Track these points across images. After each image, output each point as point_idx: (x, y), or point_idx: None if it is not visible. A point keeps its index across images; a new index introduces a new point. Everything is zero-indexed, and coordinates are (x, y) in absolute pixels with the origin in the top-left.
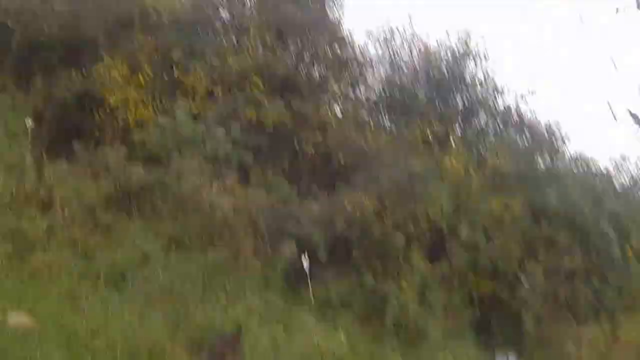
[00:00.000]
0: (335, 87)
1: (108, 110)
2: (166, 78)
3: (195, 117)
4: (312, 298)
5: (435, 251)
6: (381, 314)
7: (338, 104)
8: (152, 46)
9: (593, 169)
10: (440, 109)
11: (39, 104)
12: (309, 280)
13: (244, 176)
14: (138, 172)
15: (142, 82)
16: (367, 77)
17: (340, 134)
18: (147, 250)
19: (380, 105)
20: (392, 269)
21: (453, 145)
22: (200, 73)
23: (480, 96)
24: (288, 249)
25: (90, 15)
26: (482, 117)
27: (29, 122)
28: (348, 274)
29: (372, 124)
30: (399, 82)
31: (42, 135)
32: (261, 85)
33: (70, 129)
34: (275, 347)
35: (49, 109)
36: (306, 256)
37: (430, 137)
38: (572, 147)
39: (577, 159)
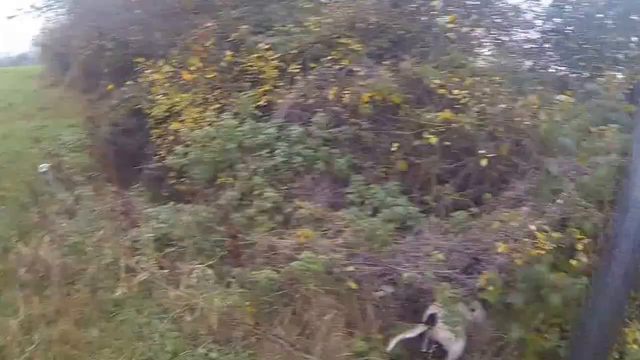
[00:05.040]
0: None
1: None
2: (224, 67)
3: (262, 114)
4: None
5: None
6: None
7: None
8: (208, 31)
9: None
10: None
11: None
12: None
13: (337, 192)
14: None
15: (190, 79)
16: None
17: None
18: None
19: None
20: None
21: None
22: (269, 49)
23: None
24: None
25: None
26: None
27: None
28: None
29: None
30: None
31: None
32: (357, 47)
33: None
34: None
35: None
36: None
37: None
38: None
39: None
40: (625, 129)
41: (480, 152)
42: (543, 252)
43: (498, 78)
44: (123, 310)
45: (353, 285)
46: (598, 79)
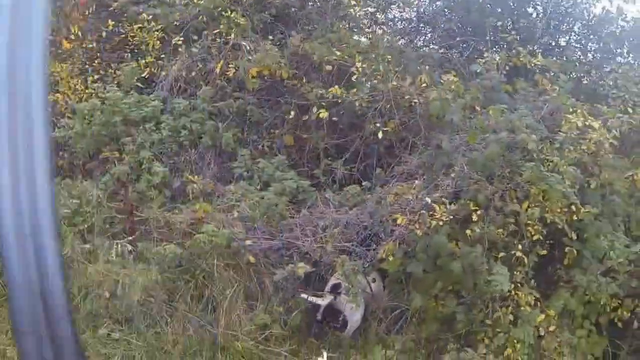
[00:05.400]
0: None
1: None
2: (105, 37)
3: (147, 86)
4: None
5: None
6: None
7: (363, 34)
8: None
9: None
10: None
11: None
12: None
13: (224, 166)
14: None
15: (69, 48)
16: None
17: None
18: None
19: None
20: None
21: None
22: (151, 21)
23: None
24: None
25: None
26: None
27: None
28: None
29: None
30: None
31: None
32: (243, 22)
33: None
34: None
35: None
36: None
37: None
38: None
39: None
40: (508, 108)
41: (376, 125)
42: (442, 223)
43: (389, 57)
44: None
45: (252, 260)
46: (478, 60)
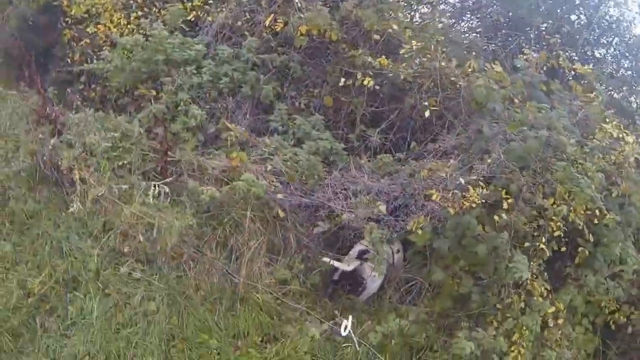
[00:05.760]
0: None
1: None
2: None
3: (190, 29)
4: None
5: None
6: None
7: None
8: None
9: None
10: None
11: None
12: None
13: (259, 117)
14: None
15: None
16: None
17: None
18: None
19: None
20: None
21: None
22: None
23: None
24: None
25: None
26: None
27: None
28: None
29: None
30: None
31: None
32: None
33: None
34: None
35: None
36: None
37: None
38: None
39: None
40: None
41: (421, 101)
42: (474, 205)
43: (440, 37)
44: (39, 223)
45: (281, 214)
46: (520, 55)
